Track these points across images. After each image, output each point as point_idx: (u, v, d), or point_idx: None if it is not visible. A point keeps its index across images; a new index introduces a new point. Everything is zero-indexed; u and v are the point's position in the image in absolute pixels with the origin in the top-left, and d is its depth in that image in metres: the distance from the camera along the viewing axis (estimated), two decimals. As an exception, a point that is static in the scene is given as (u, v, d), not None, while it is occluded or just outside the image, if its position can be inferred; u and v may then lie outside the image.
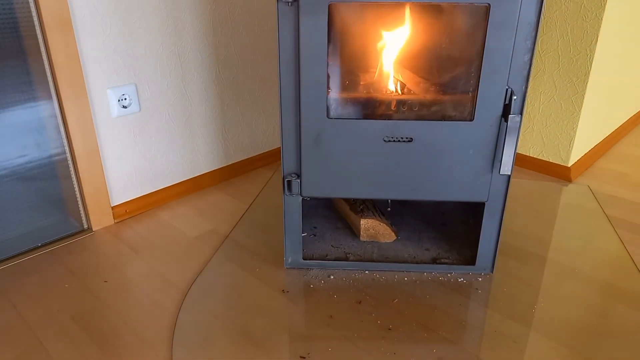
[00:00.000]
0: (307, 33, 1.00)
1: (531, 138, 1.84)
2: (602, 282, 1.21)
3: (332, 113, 1.11)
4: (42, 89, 1.28)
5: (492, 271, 1.24)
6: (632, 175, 1.83)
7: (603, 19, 1.56)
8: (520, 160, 1.89)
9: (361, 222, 1.31)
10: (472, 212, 1.34)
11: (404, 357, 0.98)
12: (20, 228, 1.34)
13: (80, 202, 1.43)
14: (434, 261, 1.26)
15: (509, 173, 1.08)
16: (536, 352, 1.00)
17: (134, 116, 1.47)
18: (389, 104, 1.13)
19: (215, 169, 1.76)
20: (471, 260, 1.25)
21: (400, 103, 1.12)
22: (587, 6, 1.58)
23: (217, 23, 1.59)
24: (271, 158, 1.94)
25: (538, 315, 1.10)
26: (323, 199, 1.54)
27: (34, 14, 1.22)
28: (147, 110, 1.49)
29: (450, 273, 1.24)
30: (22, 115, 1.27)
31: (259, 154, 1.89)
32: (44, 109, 1.30)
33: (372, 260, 1.26)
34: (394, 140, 1.09)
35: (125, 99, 1.42)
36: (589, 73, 1.64)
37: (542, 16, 0.98)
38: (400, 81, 1.14)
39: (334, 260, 1.26)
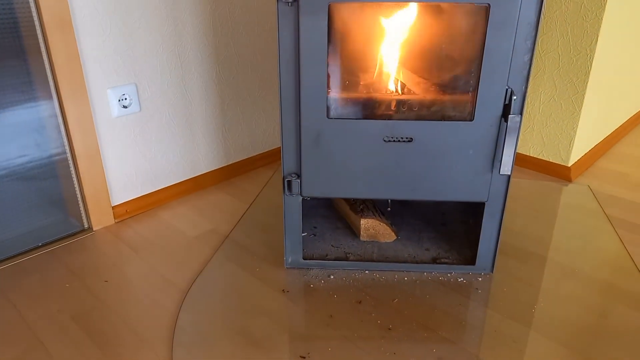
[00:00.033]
0: (307, 33, 1.00)
1: (531, 138, 1.84)
2: (602, 282, 1.21)
3: (332, 113, 1.11)
4: (42, 88, 1.28)
5: (492, 271, 1.24)
6: (632, 175, 1.83)
7: (603, 18, 1.56)
8: (520, 160, 1.89)
9: (361, 222, 1.31)
10: (472, 212, 1.34)
11: (404, 357, 0.98)
12: (20, 228, 1.34)
13: (80, 202, 1.43)
14: (434, 261, 1.26)
15: (509, 173, 1.08)
16: (536, 352, 1.00)
17: (134, 116, 1.47)
18: (389, 104, 1.13)
19: (216, 168, 1.76)
20: (471, 260, 1.25)
21: (400, 103, 1.12)
22: (587, 6, 1.58)
23: (217, 23, 1.59)
24: (271, 158, 1.94)
25: (538, 315, 1.10)
26: (323, 199, 1.54)
27: (34, 13, 1.22)
28: (147, 110, 1.49)
29: (450, 273, 1.24)
30: (23, 115, 1.27)
31: (259, 154, 1.89)
32: (44, 109, 1.30)
33: (372, 260, 1.26)
34: (394, 140, 1.09)
35: (125, 98, 1.42)
36: (589, 73, 1.64)
37: (542, 16, 0.98)
38: (400, 81, 1.14)
39: (334, 260, 1.26)
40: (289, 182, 1.15)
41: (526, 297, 1.15)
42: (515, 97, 1.03)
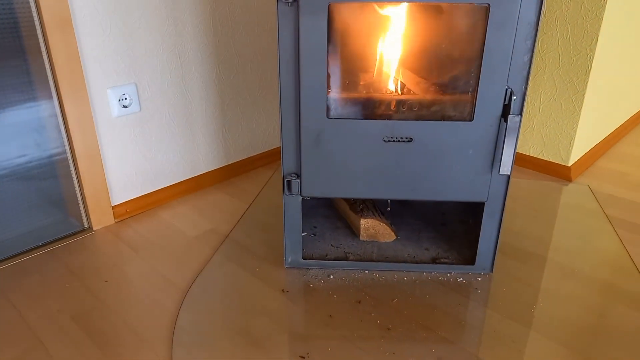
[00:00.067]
0: (307, 33, 1.00)
1: (531, 137, 1.84)
2: (602, 282, 1.21)
3: (332, 113, 1.11)
4: (42, 88, 1.28)
5: (491, 271, 1.24)
6: (632, 174, 1.83)
7: (603, 18, 1.56)
8: (520, 160, 1.89)
9: (361, 221, 1.32)
10: (472, 212, 1.34)
11: (403, 356, 0.98)
12: (20, 228, 1.34)
13: (80, 202, 1.43)
14: (434, 261, 1.26)
15: (509, 173, 1.08)
16: (535, 352, 1.00)
17: (134, 116, 1.47)
18: (388, 104, 1.13)
19: (216, 168, 1.76)
20: (471, 260, 1.25)
21: (400, 103, 1.12)
22: (588, 5, 1.58)
23: (217, 23, 1.59)
24: (271, 158, 1.94)
25: (537, 315, 1.10)
26: (323, 199, 1.54)
27: (34, 13, 1.22)
28: (147, 109, 1.50)
29: (450, 273, 1.24)
30: (23, 115, 1.27)
31: (259, 154, 1.89)
32: (44, 109, 1.30)
33: (372, 260, 1.26)
34: (394, 140, 1.09)
35: (125, 98, 1.42)
36: (589, 73, 1.64)
37: (542, 16, 0.98)
38: (400, 81, 1.14)
39: (334, 260, 1.26)
40: (289, 182, 1.16)
41: (526, 297, 1.16)
42: (515, 97, 1.03)
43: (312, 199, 1.53)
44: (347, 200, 1.42)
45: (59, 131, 1.34)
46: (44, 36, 1.23)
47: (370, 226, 1.32)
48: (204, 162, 1.72)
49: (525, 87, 1.03)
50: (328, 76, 1.05)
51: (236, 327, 1.06)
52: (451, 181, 1.12)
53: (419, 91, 1.12)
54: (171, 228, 1.47)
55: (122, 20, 1.36)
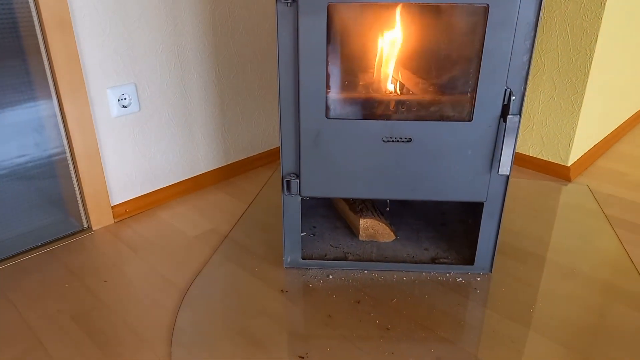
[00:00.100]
0: (306, 33, 1.00)
1: (530, 137, 1.84)
2: (601, 282, 1.21)
3: (331, 113, 1.11)
4: (41, 88, 1.28)
5: (490, 271, 1.24)
6: (632, 174, 1.83)
7: (603, 18, 1.56)
8: (520, 160, 1.89)
9: (360, 221, 1.32)
10: (472, 212, 1.34)
11: (403, 356, 0.98)
12: (20, 227, 1.34)
13: (80, 202, 1.43)
14: (433, 261, 1.26)
15: (508, 173, 1.08)
16: (534, 352, 1.00)
17: (133, 116, 1.47)
18: (387, 104, 1.13)
19: (215, 168, 1.76)
20: (470, 260, 1.25)
21: (399, 103, 1.12)
22: (587, 5, 1.58)
23: (217, 23, 1.59)
24: (271, 157, 1.94)
25: (536, 315, 1.10)
26: (322, 199, 1.54)
27: (34, 13, 1.22)
28: (146, 109, 1.50)
29: (449, 273, 1.24)
30: (22, 115, 1.27)
31: (259, 154, 1.89)
32: (44, 109, 1.30)
33: (371, 260, 1.26)
34: (393, 141, 1.09)
35: (125, 98, 1.42)
36: (588, 72, 1.64)
37: (541, 16, 0.98)
38: (399, 81, 1.14)
39: (333, 259, 1.27)
40: (288, 182, 1.16)
41: (525, 297, 1.16)
42: (514, 98, 1.03)
43: (312, 198, 1.53)
44: (346, 200, 1.42)
45: (59, 131, 1.34)
46: (43, 36, 1.23)
47: (369, 226, 1.32)
48: (204, 162, 1.72)
49: (525, 88, 1.03)
50: (327, 76, 1.05)
51: (235, 327, 1.07)
52: (450, 181, 1.12)
53: (418, 91, 1.12)
54: (170, 228, 1.47)
55: (121, 20, 1.36)
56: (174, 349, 1.01)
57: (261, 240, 1.39)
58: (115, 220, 1.50)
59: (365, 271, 1.25)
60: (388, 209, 1.49)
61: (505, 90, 1.03)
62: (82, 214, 1.45)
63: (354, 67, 1.12)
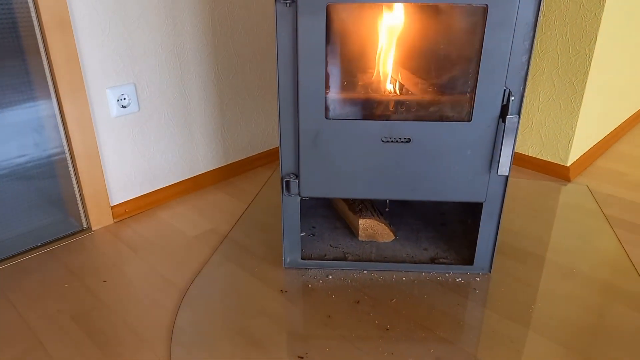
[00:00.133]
0: (306, 34, 1.00)
1: (530, 137, 1.84)
2: (601, 282, 1.22)
3: (331, 113, 1.11)
4: (41, 88, 1.28)
5: (490, 271, 1.24)
6: (631, 174, 1.83)
7: (602, 18, 1.56)
8: (519, 160, 1.89)
9: (360, 222, 1.32)
10: (471, 212, 1.34)
11: (402, 356, 0.99)
12: (19, 228, 1.34)
13: (79, 202, 1.43)
14: (432, 261, 1.26)
15: (507, 174, 1.08)
16: (534, 352, 1.00)
17: (133, 116, 1.47)
18: (387, 104, 1.13)
19: (215, 168, 1.76)
20: (469, 260, 1.25)
21: (398, 104, 1.12)
22: (586, 5, 1.58)
23: (216, 22, 1.59)
24: (270, 157, 1.94)
25: (536, 315, 1.10)
26: (322, 199, 1.54)
27: (33, 13, 1.22)
28: (146, 110, 1.50)
29: (449, 273, 1.24)
30: (22, 115, 1.27)
31: (258, 154, 1.89)
32: (43, 109, 1.30)
33: (371, 260, 1.26)
34: (392, 141, 1.09)
35: (124, 98, 1.43)
36: (587, 72, 1.64)
37: (540, 17, 0.98)
38: (398, 81, 1.14)
39: (333, 260, 1.27)
40: (287, 183, 1.16)
41: (524, 297, 1.16)
42: (513, 98, 1.03)
43: (311, 199, 1.53)
44: (345, 200, 1.42)
45: (58, 131, 1.34)
46: (42, 36, 1.24)
47: (369, 226, 1.32)
48: (203, 162, 1.72)
49: (524, 88, 1.03)
50: (326, 76, 1.05)
51: (235, 327, 1.07)
52: (449, 181, 1.12)
53: (417, 92, 1.13)
54: (170, 228, 1.47)
55: (121, 20, 1.36)
56: (173, 349, 1.01)
57: (261, 240, 1.39)
58: (115, 220, 1.50)
59: (365, 271, 1.25)
60: (387, 209, 1.49)
61: (505, 90, 1.03)
62: (82, 214, 1.45)
63: (353, 68, 1.12)
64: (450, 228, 1.41)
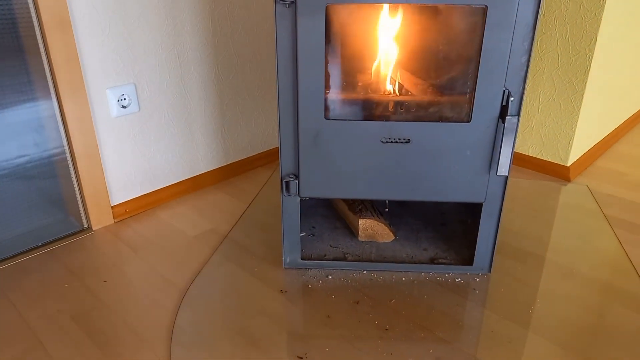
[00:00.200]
0: (305, 34, 1.00)
1: (530, 137, 1.84)
2: (600, 283, 1.22)
3: (330, 114, 1.11)
4: (41, 88, 1.29)
5: (489, 271, 1.24)
6: (631, 174, 1.83)
7: (602, 18, 1.56)
8: (519, 160, 1.89)
9: (359, 222, 1.32)
10: (471, 212, 1.34)
11: (401, 357, 0.99)
12: (20, 227, 1.35)
13: (80, 202, 1.43)
14: (432, 261, 1.26)
15: (506, 174, 1.08)
16: (533, 352, 1.00)
17: (133, 116, 1.47)
18: (386, 105, 1.13)
19: (215, 168, 1.76)
20: (469, 260, 1.26)
21: (398, 104, 1.12)
22: (587, 5, 1.58)
23: (217, 22, 1.59)
24: (270, 157, 1.94)
25: (535, 316, 1.10)
26: (322, 199, 1.54)
27: (33, 13, 1.22)
28: (146, 110, 1.50)
29: (448, 273, 1.25)
30: (22, 114, 1.27)
31: (258, 154, 1.90)
32: (44, 109, 1.30)
33: (370, 261, 1.26)
34: (392, 141, 1.09)
35: (124, 99, 1.43)
36: (588, 73, 1.64)
37: (539, 17, 0.98)
38: (397, 82, 1.14)
39: (332, 260, 1.27)
40: (287, 183, 1.16)
41: (524, 298, 1.16)
42: (512, 99, 1.03)
43: (311, 199, 1.53)
44: (345, 200, 1.42)
45: (58, 131, 1.34)
46: (42, 36, 1.24)
47: (368, 226, 1.32)
48: (203, 162, 1.72)
49: (523, 89, 1.03)
50: (326, 77, 1.05)
51: (235, 327, 1.07)
52: (449, 182, 1.13)
53: (416, 92, 1.13)
54: (170, 228, 1.47)
55: (121, 20, 1.36)
56: (173, 349, 1.01)
57: (261, 240, 1.40)
58: (115, 220, 1.51)
59: (365, 271, 1.25)
60: (387, 209, 1.49)
61: (504, 91, 1.03)
62: (82, 214, 1.45)
63: (352, 68, 1.12)
64: (450, 228, 1.41)
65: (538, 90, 1.77)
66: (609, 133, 2.05)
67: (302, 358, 0.98)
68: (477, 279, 1.22)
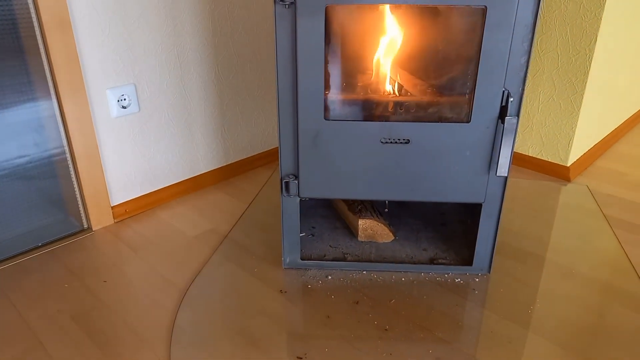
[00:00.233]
0: (305, 35, 1.00)
1: (530, 137, 1.84)
2: (600, 283, 1.22)
3: (330, 114, 1.11)
4: (41, 89, 1.29)
5: (489, 272, 1.24)
6: (631, 174, 1.83)
7: (602, 18, 1.56)
8: (519, 160, 1.89)
9: (359, 222, 1.32)
10: (471, 212, 1.34)
11: (401, 357, 0.99)
12: (20, 228, 1.35)
13: (80, 202, 1.44)
14: (432, 261, 1.26)
15: (506, 174, 1.08)
16: (533, 352, 1.00)
17: (133, 116, 1.47)
18: (386, 105, 1.13)
19: (215, 168, 1.76)
20: (469, 260, 1.26)
21: (398, 105, 1.12)
22: (587, 6, 1.58)
23: (217, 23, 1.59)
24: (270, 157, 1.94)
25: (535, 316, 1.10)
26: (322, 199, 1.54)
27: (33, 14, 1.22)
28: (146, 110, 1.50)
29: (448, 273, 1.25)
30: (22, 115, 1.27)
31: (258, 154, 1.90)
32: (44, 109, 1.31)
33: (370, 261, 1.26)
34: (391, 142, 1.09)
35: (124, 99, 1.43)
36: (588, 73, 1.64)
37: (539, 18, 0.98)
38: (397, 82, 1.14)
39: (332, 260, 1.27)
40: (287, 183, 1.16)
41: (523, 298, 1.16)
42: (512, 99, 1.03)
43: (311, 199, 1.53)
44: (345, 200, 1.42)
45: (58, 131, 1.34)
46: (42, 36, 1.24)
47: (368, 227, 1.32)
48: (203, 162, 1.72)
49: (523, 89, 1.03)
50: (326, 77, 1.05)
51: (235, 327, 1.07)
52: (448, 182, 1.13)
53: (416, 93, 1.13)
54: (170, 228, 1.47)
55: (121, 20, 1.36)
56: (173, 349, 1.01)
57: (260, 240, 1.40)
58: (115, 221, 1.51)
59: (364, 272, 1.25)
60: (387, 209, 1.49)
61: (503, 91, 1.03)
62: (82, 214, 1.45)
63: (352, 69, 1.12)
64: (450, 228, 1.41)
65: (538, 90, 1.77)
66: (609, 133, 2.05)
67: (301, 358, 0.99)
68: (477, 279, 1.22)
